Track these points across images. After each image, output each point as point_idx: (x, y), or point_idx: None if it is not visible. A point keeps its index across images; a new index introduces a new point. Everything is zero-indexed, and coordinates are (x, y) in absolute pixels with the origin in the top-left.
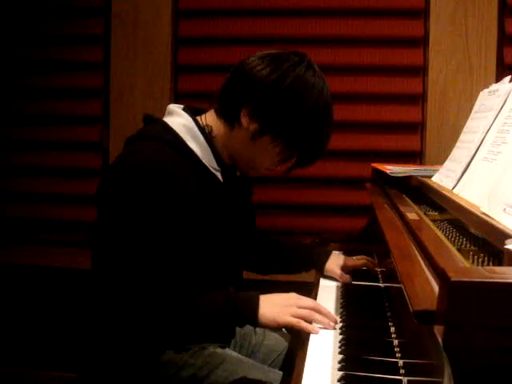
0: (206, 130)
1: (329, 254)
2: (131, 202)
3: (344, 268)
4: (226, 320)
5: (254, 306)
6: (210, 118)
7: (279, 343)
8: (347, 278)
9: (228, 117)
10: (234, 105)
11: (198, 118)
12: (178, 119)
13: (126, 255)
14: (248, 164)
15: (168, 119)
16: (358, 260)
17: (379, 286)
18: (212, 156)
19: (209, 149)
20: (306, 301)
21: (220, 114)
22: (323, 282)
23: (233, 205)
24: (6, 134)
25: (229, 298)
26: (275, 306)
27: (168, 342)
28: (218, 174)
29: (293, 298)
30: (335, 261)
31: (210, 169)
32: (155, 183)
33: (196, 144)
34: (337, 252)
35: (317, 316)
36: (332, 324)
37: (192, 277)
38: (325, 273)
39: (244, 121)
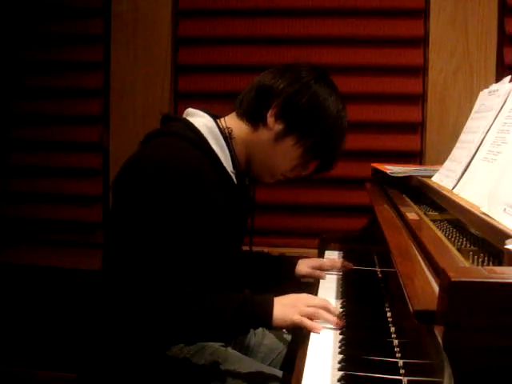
0: (226, 132)
1: (295, 260)
2: (155, 195)
3: (314, 268)
4: (242, 324)
5: (269, 310)
6: (230, 121)
7: (279, 343)
8: (319, 273)
9: (253, 117)
10: (260, 106)
11: (218, 120)
12: (200, 119)
13: (147, 246)
14: (264, 167)
15: (190, 119)
16: (325, 261)
17: (379, 286)
18: (230, 158)
19: (227, 151)
20: (314, 299)
21: (243, 116)
22: (323, 282)
23: (241, 209)
24: (6, 134)
25: (245, 304)
26: (285, 307)
27: (179, 338)
28: (234, 177)
29: (302, 298)
30: (304, 264)
31: (228, 170)
32: (181, 178)
33: (216, 144)
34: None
35: (322, 313)
36: (337, 321)
37: (202, 274)
38: (296, 278)
39: (270, 121)
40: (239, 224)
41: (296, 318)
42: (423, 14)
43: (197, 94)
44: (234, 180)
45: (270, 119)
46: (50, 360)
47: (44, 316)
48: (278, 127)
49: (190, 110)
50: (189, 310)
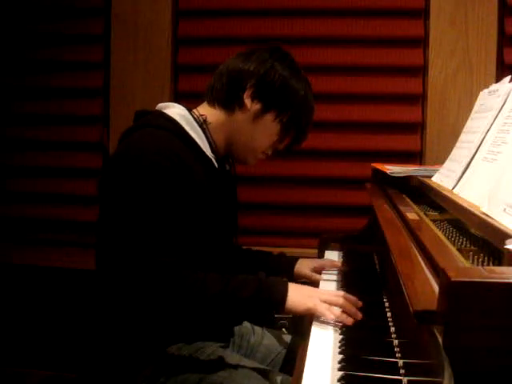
0: (201, 119)
1: (295, 260)
2: (139, 187)
3: (313, 270)
4: (256, 306)
5: (284, 292)
6: (202, 110)
7: (278, 343)
8: (318, 277)
9: (227, 102)
10: (235, 90)
11: (191, 110)
12: (173, 109)
13: (142, 237)
14: (247, 148)
15: (163, 110)
16: (325, 261)
17: (379, 286)
18: (207, 143)
19: (204, 136)
20: (329, 296)
21: (216, 102)
22: (323, 282)
23: (224, 193)
24: (6, 133)
25: (260, 286)
26: (301, 294)
27: (195, 323)
28: (214, 161)
29: (318, 291)
30: (304, 264)
31: (207, 154)
32: (162, 165)
33: (192, 131)
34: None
35: (342, 301)
36: (355, 315)
37: (196, 263)
38: (295, 278)
39: (247, 102)
40: (225, 211)
41: (311, 305)
42: (423, 14)
43: (197, 94)
44: (216, 164)
45: (247, 100)
46: (50, 360)
47: (44, 316)
48: (256, 107)
49: (160, 104)
50: (205, 294)
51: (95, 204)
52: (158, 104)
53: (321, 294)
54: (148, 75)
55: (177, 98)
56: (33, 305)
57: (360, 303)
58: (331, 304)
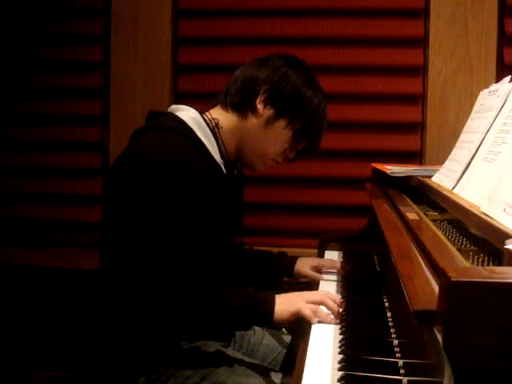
0: (213, 123)
1: (296, 259)
2: (148, 189)
3: (313, 269)
4: (244, 320)
5: (271, 307)
6: (215, 113)
7: (278, 343)
8: (318, 276)
9: (241, 106)
10: (249, 95)
11: (203, 114)
12: (186, 112)
13: (144, 240)
14: (256, 154)
15: (175, 113)
16: (325, 260)
17: (379, 286)
18: (217, 148)
19: (214, 141)
20: (313, 296)
21: (230, 106)
22: (323, 282)
23: (230, 198)
24: (6, 134)
25: (248, 300)
26: (285, 303)
27: (183, 333)
28: (222, 167)
29: (303, 294)
30: (304, 263)
31: (216, 159)
32: (172, 169)
33: (203, 135)
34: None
35: (320, 312)
36: (333, 321)
37: (198, 268)
38: (295, 277)
39: (259, 107)
40: (231, 215)
41: (294, 309)
42: (423, 14)
43: (197, 94)
44: (224, 170)
45: (260, 106)
46: (49, 360)
47: (44, 316)
48: (268, 112)
49: (174, 105)
50: (193, 305)
51: (95, 204)
52: (157, 104)
53: (305, 296)
54: (148, 75)
55: (177, 98)
56: (33, 305)
57: (339, 298)
58: (315, 303)
